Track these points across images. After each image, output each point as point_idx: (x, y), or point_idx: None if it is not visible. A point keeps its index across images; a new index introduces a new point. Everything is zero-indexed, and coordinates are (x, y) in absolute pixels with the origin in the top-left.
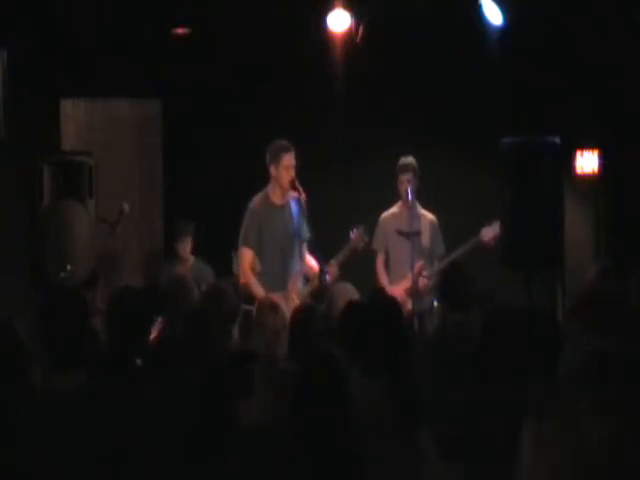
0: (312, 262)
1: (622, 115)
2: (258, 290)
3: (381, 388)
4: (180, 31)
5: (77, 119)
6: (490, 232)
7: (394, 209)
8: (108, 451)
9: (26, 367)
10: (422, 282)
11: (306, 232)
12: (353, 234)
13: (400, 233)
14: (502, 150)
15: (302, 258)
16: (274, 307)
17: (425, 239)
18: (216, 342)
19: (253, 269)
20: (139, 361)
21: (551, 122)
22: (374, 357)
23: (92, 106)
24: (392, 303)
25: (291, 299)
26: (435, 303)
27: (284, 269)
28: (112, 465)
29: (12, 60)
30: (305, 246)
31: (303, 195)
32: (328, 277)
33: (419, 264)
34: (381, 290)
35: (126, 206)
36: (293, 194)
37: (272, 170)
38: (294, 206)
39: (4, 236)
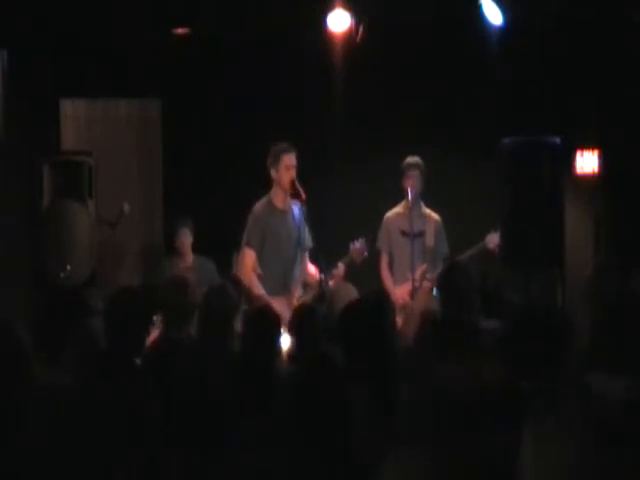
0: (313, 270)
1: (622, 115)
2: (260, 292)
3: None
4: (180, 31)
5: (77, 119)
6: (495, 239)
7: (398, 209)
8: (107, 451)
9: (26, 367)
10: (425, 284)
11: (308, 240)
12: (353, 247)
13: (404, 233)
14: (502, 150)
15: (303, 265)
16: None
17: (429, 240)
18: (217, 341)
19: (254, 271)
20: (138, 361)
21: (551, 122)
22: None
23: (92, 106)
24: (380, 305)
25: (292, 303)
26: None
27: (285, 273)
28: (111, 465)
29: (12, 60)
30: (306, 254)
31: (303, 196)
32: (332, 282)
33: (423, 266)
34: (376, 292)
35: (126, 206)
36: (295, 200)
37: (273, 173)
38: (296, 212)
39: (4, 236)
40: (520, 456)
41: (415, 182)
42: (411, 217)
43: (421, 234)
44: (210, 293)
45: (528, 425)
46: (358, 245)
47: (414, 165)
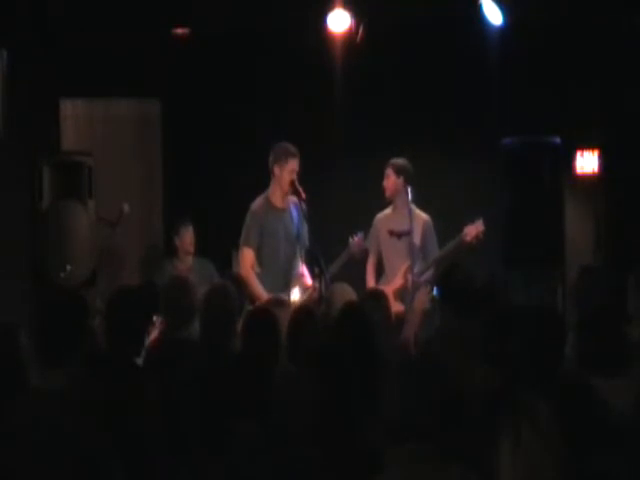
0: (305, 273)
1: (622, 115)
2: (259, 291)
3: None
4: (180, 31)
5: (76, 119)
6: (472, 231)
7: (388, 210)
8: (107, 451)
9: (25, 368)
10: (418, 282)
11: (306, 239)
12: (352, 241)
13: (391, 233)
14: (502, 150)
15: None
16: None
17: (416, 238)
18: (220, 340)
19: (253, 270)
20: (138, 361)
21: (551, 122)
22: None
23: (91, 106)
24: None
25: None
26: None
27: (285, 271)
28: (110, 465)
29: (12, 60)
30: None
31: (303, 195)
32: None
33: (405, 265)
34: (371, 291)
35: (126, 206)
36: (293, 200)
37: (276, 170)
38: (295, 211)
39: (4, 236)
40: (497, 457)
41: (387, 181)
42: (403, 216)
43: (408, 233)
44: (212, 292)
45: (504, 426)
46: (357, 239)
47: (388, 165)
